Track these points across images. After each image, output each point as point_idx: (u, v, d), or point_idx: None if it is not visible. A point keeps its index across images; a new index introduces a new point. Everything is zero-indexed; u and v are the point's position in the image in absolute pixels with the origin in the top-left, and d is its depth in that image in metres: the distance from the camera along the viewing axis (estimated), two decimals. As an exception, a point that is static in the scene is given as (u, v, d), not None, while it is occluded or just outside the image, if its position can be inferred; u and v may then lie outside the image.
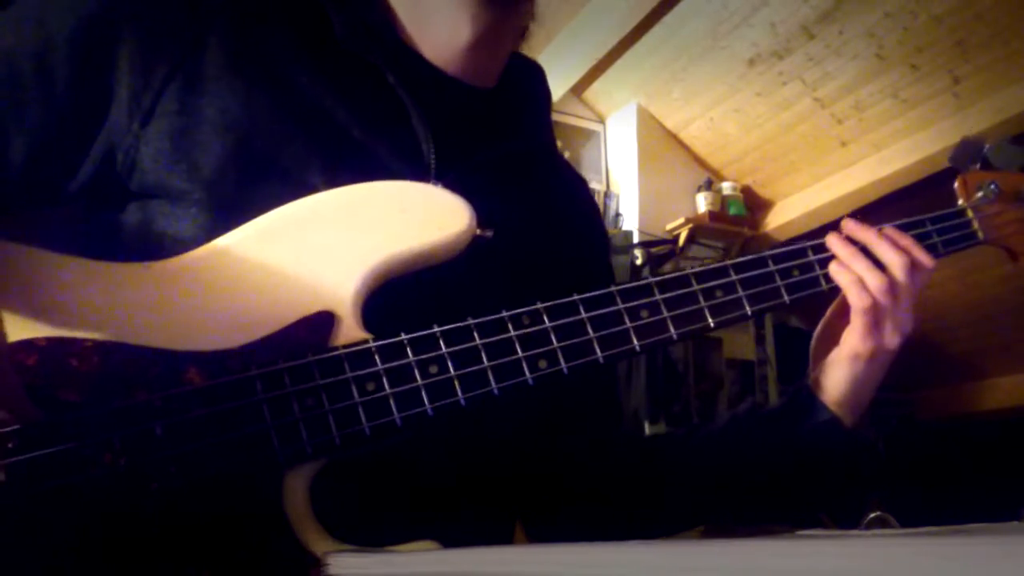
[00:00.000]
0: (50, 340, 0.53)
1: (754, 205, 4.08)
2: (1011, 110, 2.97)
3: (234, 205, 0.62)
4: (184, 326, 0.57)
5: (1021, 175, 0.88)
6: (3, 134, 0.61)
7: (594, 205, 0.93)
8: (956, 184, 0.87)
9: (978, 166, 0.88)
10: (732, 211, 3.92)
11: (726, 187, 3.98)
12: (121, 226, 0.65)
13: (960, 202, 0.85)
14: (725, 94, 3.64)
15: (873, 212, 3.50)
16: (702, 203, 3.87)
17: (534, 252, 0.78)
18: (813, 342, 0.82)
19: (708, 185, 3.93)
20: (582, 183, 0.93)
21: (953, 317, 3.83)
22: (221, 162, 0.63)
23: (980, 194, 0.85)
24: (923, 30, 2.96)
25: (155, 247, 0.61)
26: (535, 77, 0.87)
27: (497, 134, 0.79)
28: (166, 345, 0.56)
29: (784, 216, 3.94)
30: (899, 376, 4.10)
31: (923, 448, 4.01)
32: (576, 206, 0.90)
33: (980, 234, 0.83)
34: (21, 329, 0.53)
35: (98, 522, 0.51)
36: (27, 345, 0.52)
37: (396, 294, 0.63)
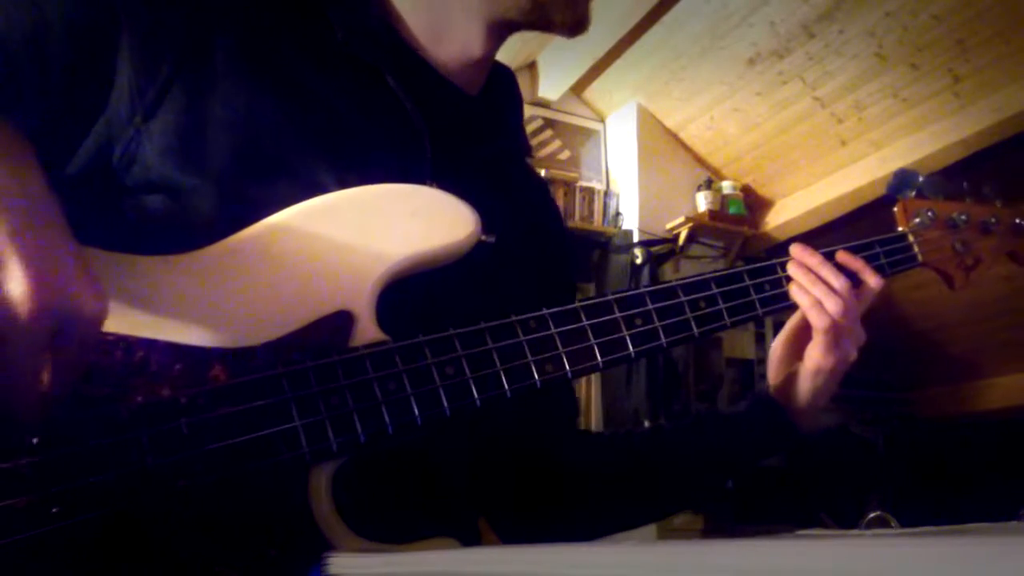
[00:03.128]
0: None
1: (754, 204, 4.08)
2: (1011, 109, 2.97)
3: (245, 201, 0.63)
4: (206, 321, 0.57)
5: (953, 204, 0.95)
6: None
7: (556, 207, 0.98)
8: (896, 210, 0.94)
9: (913, 195, 0.94)
10: (732, 210, 3.92)
11: (726, 186, 3.98)
12: (119, 218, 0.64)
13: (900, 227, 0.93)
14: (725, 93, 3.64)
15: (872, 212, 3.49)
16: (702, 202, 3.87)
17: (519, 253, 0.80)
18: (774, 352, 0.89)
19: (708, 184, 3.93)
20: (545, 185, 0.98)
21: (953, 317, 3.83)
22: (231, 160, 0.64)
23: (917, 220, 0.93)
24: (923, 29, 2.96)
25: (162, 240, 0.61)
26: (509, 81, 0.89)
27: (484, 137, 0.81)
28: (189, 341, 0.56)
29: (784, 215, 3.94)
30: (899, 376, 4.10)
31: (923, 448, 4.01)
32: (546, 207, 0.94)
33: (919, 257, 0.91)
34: None
35: (125, 520, 0.51)
36: None
37: (395, 295, 0.64)
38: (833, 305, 0.79)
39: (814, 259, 0.81)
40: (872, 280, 0.83)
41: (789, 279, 0.81)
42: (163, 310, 0.57)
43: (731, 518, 3.39)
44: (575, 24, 0.76)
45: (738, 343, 3.79)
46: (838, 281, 0.80)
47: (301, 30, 0.71)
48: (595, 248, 3.76)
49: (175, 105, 0.63)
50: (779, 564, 0.27)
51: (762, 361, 3.83)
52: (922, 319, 3.90)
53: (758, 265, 0.80)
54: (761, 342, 3.86)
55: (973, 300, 3.67)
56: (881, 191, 3.56)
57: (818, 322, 0.79)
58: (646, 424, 3.36)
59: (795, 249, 0.82)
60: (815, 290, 0.80)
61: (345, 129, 0.69)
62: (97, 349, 0.53)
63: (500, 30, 0.77)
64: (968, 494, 3.39)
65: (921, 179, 0.94)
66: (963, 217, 0.94)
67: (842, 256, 0.84)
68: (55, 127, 0.62)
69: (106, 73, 0.62)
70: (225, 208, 0.62)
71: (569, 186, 3.74)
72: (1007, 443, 3.70)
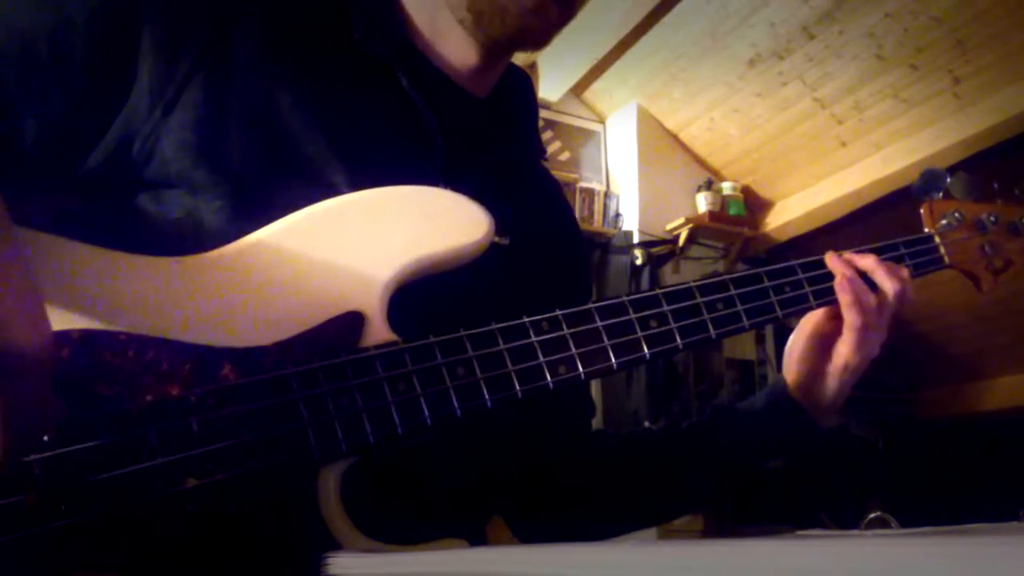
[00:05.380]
0: (83, 332, 0.53)
1: (754, 205, 4.08)
2: (1011, 110, 2.97)
3: (259, 199, 0.63)
4: (217, 322, 0.57)
5: (981, 205, 0.93)
6: (14, 115, 0.60)
7: (571, 209, 0.97)
8: (922, 211, 0.92)
9: (940, 195, 0.93)
10: (732, 211, 3.92)
11: (726, 187, 3.98)
12: (136, 214, 0.64)
13: (926, 229, 0.91)
14: (725, 94, 3.64)
15: (872, 213, 3.49)
16: (702, 203, 3.87)
17: (532, 255, 0.79)
18: (793, 349, 0.86)
19: (708, 185, 3.93)
20: (560, 188, 0.97)
21: (954, 317, 3.83)
22: (247, 156, 0.64)
23: (944, 222, 0.91)
24: (923, 30, 2.96)
25: (177, 237, 0.61)
26: (524, 85, 0.88)
27: (496, 141, 0.81)
28: (200, 340, 0.56)
29: (784, 216, 3.94)
30: (899, 376, 4.10)
31: (923, 448, 4.01)
32: (559, 211, 0.93)
33: (946, 259, 0.89)
34: (53, 321, 0.52)
35: (134, 518, 0.51)
36: (60, 337, 0.52)
37: (407, 297, 0.64)
38: (871, 302, 0.79)
39: (866, 260, 0.81)
40: (911, 291, 0.82)
41: (811, 280, 0.80)
42: (174, 310, 0.57)
43: (731, 518, 3.39)
44: (515, 35, 0.72)
45: (738, 344, 3.79)
46: (892, 283, 0.80)
47: (320, 28, 0.71)
48: (595, 249, 3.76)
49: (193, 100, 0.63)
50: (779, 564, 0.27)
51: (762, 362, 3.83)
52: (922, 320, 3.89)
53: (777, 267, 0.80)
54: (761, 343, 3.86)
55: (973, 301, 3.67)
56: (881, 192, 3.55)
57: (855, 320, 0.79)
58: (646, 425, 3.36)
59: (847, 254, 0.82)
60: (856, 286, 0.79)
61: (359, 129, 0.69)
62: (114, 350, 0.53)
63: (487, 47, 0.75)
64: (968, 494, 3.39)
65: (949, 179, 0.92)
66: (992, 218, 0.92)
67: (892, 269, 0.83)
68: (76, 122, 0.62)
69: (127, 69, 0.63)
70: (239, 204, 0.63)
71: (569, 187, 3.74)
72: (1007, 443, 3.70)
